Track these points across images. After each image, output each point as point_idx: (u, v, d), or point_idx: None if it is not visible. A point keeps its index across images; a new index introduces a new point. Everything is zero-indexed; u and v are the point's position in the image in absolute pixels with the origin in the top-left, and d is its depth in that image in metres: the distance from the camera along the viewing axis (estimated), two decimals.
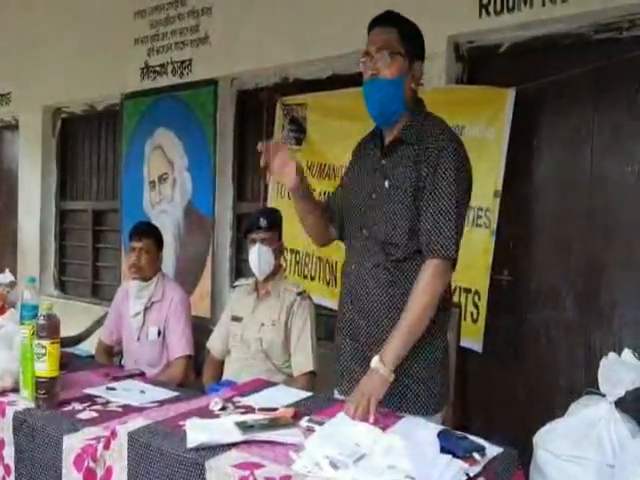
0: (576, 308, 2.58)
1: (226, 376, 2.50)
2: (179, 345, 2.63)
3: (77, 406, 1.63)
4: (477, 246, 2.60)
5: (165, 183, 4.09)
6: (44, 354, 1.59)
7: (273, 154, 1.62)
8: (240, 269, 3.74)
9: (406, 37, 1.64)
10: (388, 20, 1.65)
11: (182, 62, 3.95)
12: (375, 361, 1.49)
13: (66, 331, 3.10)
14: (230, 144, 3.80)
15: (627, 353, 1.94)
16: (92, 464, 1.38)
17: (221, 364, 2.62)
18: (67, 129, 5.01)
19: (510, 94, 2.50)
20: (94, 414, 1.57)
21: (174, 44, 4.00)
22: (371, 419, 1.39)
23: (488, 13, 2.67)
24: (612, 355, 1.97)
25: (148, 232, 2.75)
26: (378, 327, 1.63)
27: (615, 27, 2.45)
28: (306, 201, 1.73)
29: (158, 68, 4.11)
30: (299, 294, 2.46)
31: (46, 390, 1.61)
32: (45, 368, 1.60)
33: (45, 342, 1.59)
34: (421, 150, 1.59)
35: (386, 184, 1.62)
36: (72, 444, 1.42)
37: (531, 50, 2.65)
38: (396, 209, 1.60)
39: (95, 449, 1.38)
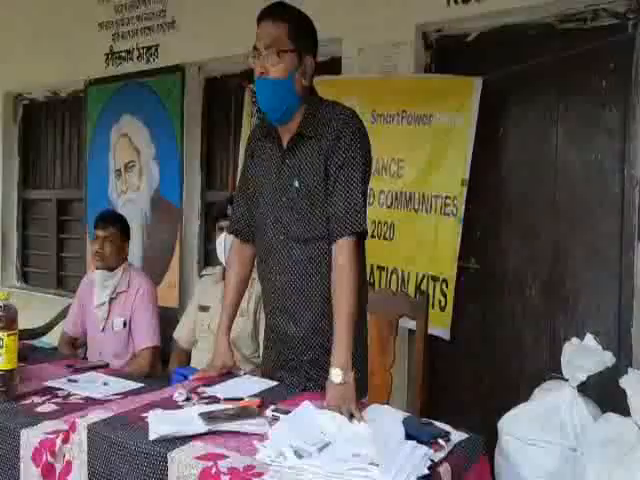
0: (541, 295, 2.62)
1: (193, 366, 2.47)
2: (146, 336, 2.59)
3: (36, 399, 1.58)
4: (444, 234, 2.62)
5: (131, 172, 4.01)
6: (1, 346, 1.54)
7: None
8: (209, 258, 3.70)
9: (296, 32, 1.58)
10: (278, 14, 1.59)
11: (148, 48, 3.87)
12: (336, 374, 1.45)
13: (30, 323, 3.06)
14: (198, 132, 3.74)
15: (589, 338, 1.98)
16: (51, 458, 1.34)
17: (188, 354, 2.59)
18: (29, 116, 4.87)
19: (477, 83, 2.51)
20: (54, 407, 1.52)
21: (140, 29, 3.91)
22: (359, 418, 1.36)
23: (456, 2, 2.67)
24: (574, 340, 2.01)
25: (113, 220, 2.70)
26: (314, 333, 1.64)
27: (580, 17, 2.48)
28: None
29: (123, 54, 4.02)
30: None
31: (3, 383, 1.55)
32: (2, 360, 1.55)
33: (2, 333, 1.54)
34: (322, 139, 1.58)
35: (296, 183, 1.60)
36: (30, 438, 1.38)
37: (498, 39, 2.67)
38: (311, 204, 1.59)
39: (54, 443, 1.34)
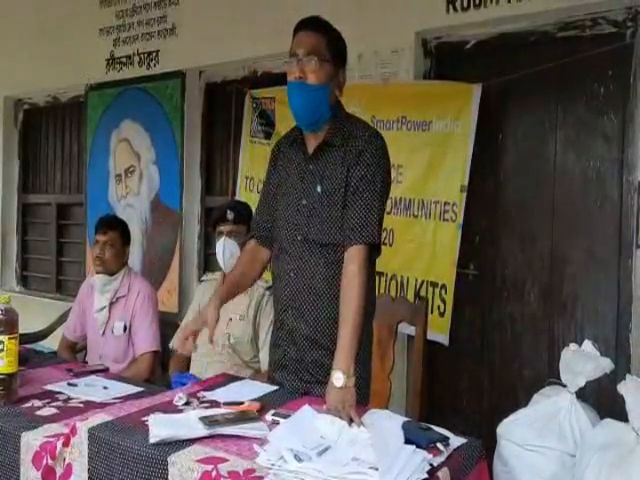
0: (540, 301, 2.63)
1: (192, 371, 2.47)
2: (145, 340, 2.59)
3: (37, 403, 1.59)
4: (444, 240, 2.63)
5: (131, 176, 4.02)
6: (1, 349, 1.55)
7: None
8: (208, 263, 3.70)
9: (333, 45, 1.67)
10: (317, 25, 1.67)
11: (149, 53, 3.89)
12: (338, 377, 1.46)
13: (29, 328, 3.06)
14: (198, 137, 3.76)
15: (587, 344, 1.99)
16: (51, 462, 1.34)
17: (187, 359, 2.59)
18: (30, 121, 4.88)
19: (476, 89, 2.53)
20: (54, 411, 1.54)
21: (141, 35, 3.93)
22: (358, 423, 1.36)
23: (455, 9, 2.69)
24: (573, 346, 2.01)
25: (113, 225, 2.71)
26: (321, 334, 1.66)
27: (578, 25, 2.50)
28: (235, 290, 1.78)
29: (124, 59, 4.03)
30: (268, 289, 2.44)
31: (4, 386, 1.57)
32: (3, 364, 1.55)
33: (2, 337, 1.55)
34: (347, 151, 1.64)
35: (318, 189, 1.66)
36: (30, 442, 1.38)
37: (497, 46, 2.68)
38: (330, 211, 1.64)
39: (54, 446, 1.35)
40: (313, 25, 1.67)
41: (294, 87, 1.65)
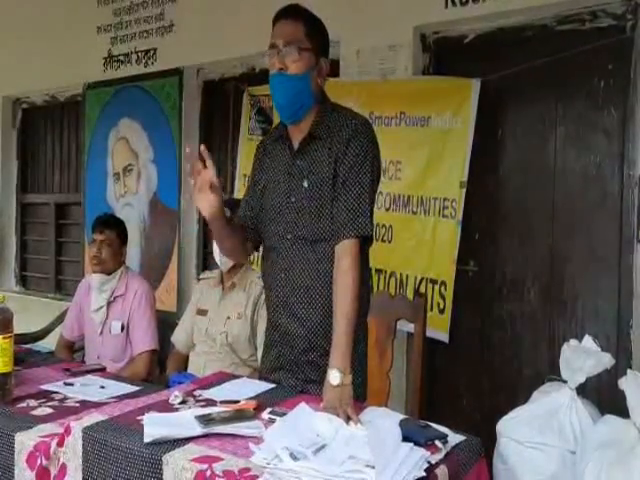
0: (540, 298, 2.61)
1: (190, 370, 2.47)
2: (143, 340, 2.58)
3: (32, 403, 1.58)
4: (443, 237, 2.61)
5: (130, 175, 4.01)
6: None
7: (199, 171, 1.53)
8: (207, 262, 3.69)
9: (312, 33, 1.62)
10: (295, 14, 1.63)
11: (146, 51, 3.87)
12: (334, 375, 1.43)
13: (28, 328, 3.05)
14: (196, 135, 3.74)
15: (587, 339, 1.97)
16: (45, 462, 1.33)
17: (185, 358, 2.58)
18: (28, 120, 4.88)
19: (475, 84, 2.51)
20: (49, 410, 1.52)
21: (138, 33, 3.92)
22: (356, 421, 1.34)
23: (454, 4, 2.67)
24: (573, 342, 1.99)
25: (110, 224, 2.70)
26: (316, 334, 1.63)
27: (577, 19, 2.48)
28: (223, 229, 1.67)
29: (122, 57, 4.02)
30: None
31: None
32: None
33: None
34: (333, 142, 1.60)
35: (305, 184, 1.61)
36: (24, 442, 1.37)
37: (496, 41, 2.66)
38: (319, 206, 1.60)
39: (48, 446, 1.33)
40: (291, 13, 1.62)
41: (275, 79, 1.61)
